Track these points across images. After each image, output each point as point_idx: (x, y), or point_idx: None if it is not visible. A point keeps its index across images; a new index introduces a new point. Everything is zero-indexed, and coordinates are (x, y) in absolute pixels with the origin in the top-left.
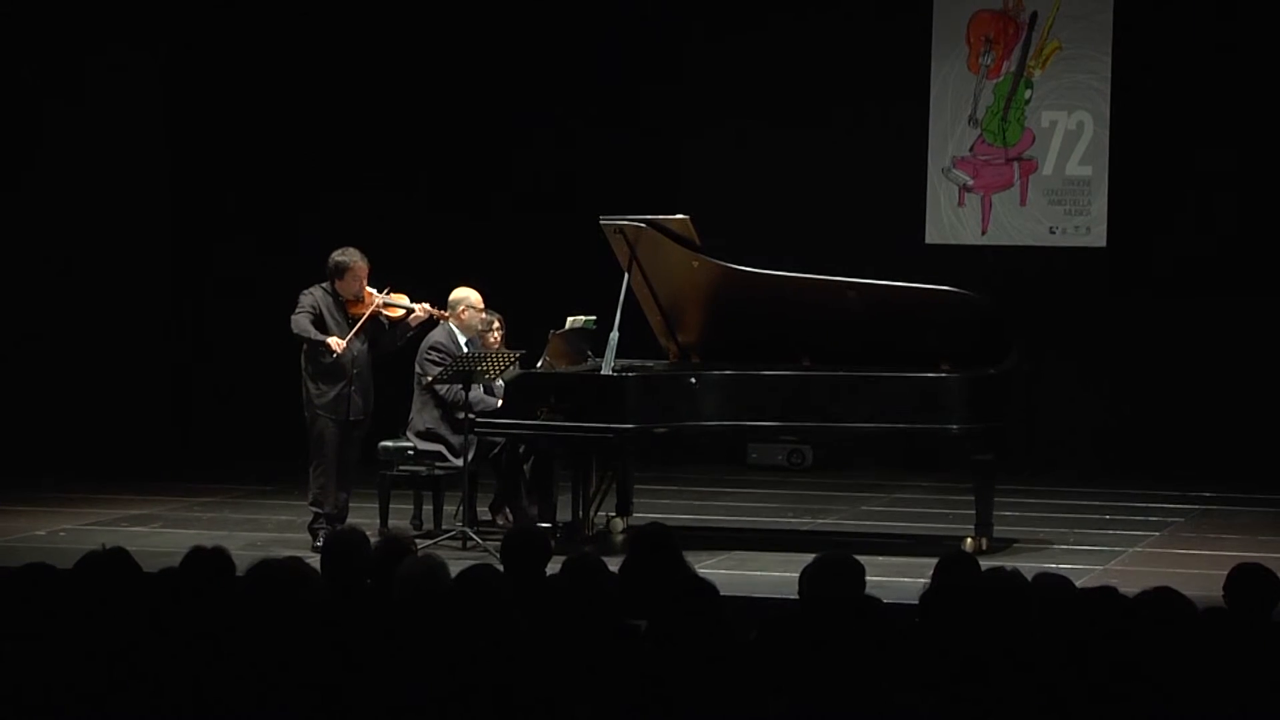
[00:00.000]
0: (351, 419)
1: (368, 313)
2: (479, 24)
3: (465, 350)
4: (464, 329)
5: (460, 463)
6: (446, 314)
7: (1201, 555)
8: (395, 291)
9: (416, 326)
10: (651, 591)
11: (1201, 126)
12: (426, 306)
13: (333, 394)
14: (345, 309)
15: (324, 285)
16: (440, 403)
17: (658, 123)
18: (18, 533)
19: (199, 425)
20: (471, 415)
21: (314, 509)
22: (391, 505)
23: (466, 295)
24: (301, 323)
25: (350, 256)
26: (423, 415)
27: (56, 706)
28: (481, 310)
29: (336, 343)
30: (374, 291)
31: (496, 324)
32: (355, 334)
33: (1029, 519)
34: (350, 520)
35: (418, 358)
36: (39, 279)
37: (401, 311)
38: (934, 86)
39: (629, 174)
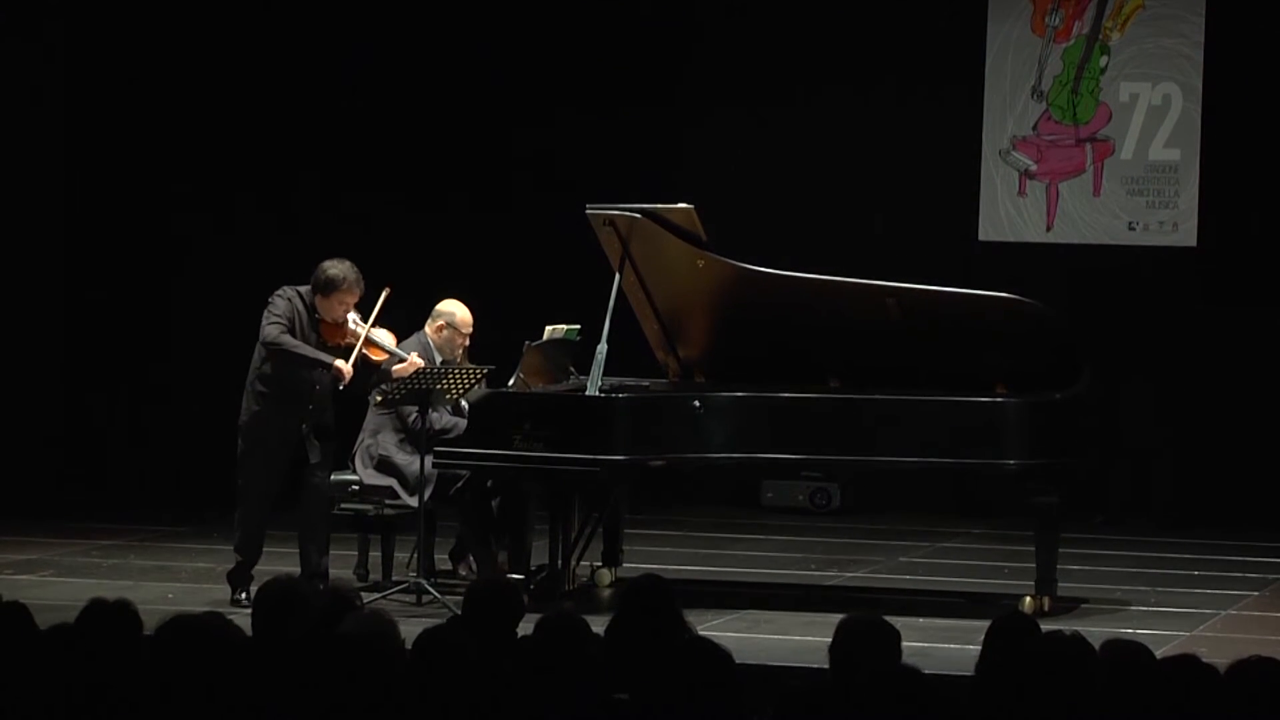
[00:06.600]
0: (311, 460)
1: (355, 347)
2: None
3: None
4: (442, 346)
5: (414, 501)
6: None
7: None
8: (379, 326)
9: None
10: (645, 658)
11: None
12: (415, 358)
13: (277, 423)
14: (319, 330)
15: (302, 292)
16: (403, 424)
17: (659, 97)
18: None
19: (100, 457)
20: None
21: (236, 555)
22: (331, 551)
23: (454, 312)
24: (277, 335)
25: (344, 271)
26: (377, 440)
27: None
28: (466, 335)
29: (344, 366)
30: (358, 322)
31: None
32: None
33: (1101, 574)
34: (280, 568)
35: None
36: None
37: (385, 356)
38: (990, 52)
39: (622, 157)
